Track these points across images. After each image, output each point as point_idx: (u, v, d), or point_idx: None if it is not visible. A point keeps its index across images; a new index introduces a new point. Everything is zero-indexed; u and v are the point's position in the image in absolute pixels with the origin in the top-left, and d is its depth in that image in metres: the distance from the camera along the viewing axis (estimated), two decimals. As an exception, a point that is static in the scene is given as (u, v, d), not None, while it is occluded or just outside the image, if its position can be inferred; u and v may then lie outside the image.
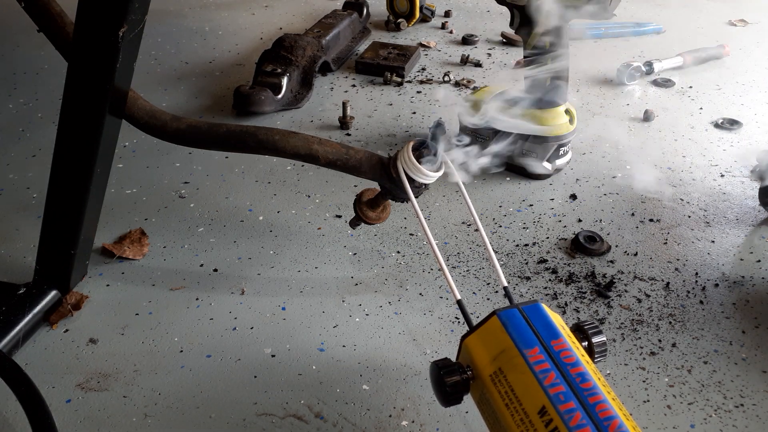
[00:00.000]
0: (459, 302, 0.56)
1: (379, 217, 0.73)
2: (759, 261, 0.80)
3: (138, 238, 0.83)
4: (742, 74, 1.30)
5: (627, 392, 0.63)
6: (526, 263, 0.79)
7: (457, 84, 1.25)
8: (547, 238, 0.84)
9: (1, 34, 1.48)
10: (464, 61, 1.34)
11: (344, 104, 1.09)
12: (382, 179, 0.67)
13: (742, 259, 0.80)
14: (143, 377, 0.64)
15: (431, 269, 0.78)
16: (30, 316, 0.69)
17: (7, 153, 1.02)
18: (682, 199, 0.91)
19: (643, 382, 0.64)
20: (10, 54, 1.39)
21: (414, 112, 1.15)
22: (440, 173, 0.64)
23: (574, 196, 0.92)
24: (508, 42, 1.44)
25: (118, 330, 0.70)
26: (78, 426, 0.59)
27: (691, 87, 1.24)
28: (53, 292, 0.72)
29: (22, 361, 0.65)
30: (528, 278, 0.77)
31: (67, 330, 0.70)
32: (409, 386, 0.63)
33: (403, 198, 0.67)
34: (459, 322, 0.71)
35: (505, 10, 0.90)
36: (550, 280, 0.77)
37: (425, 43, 1.43)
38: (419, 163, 0.62)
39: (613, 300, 0.74)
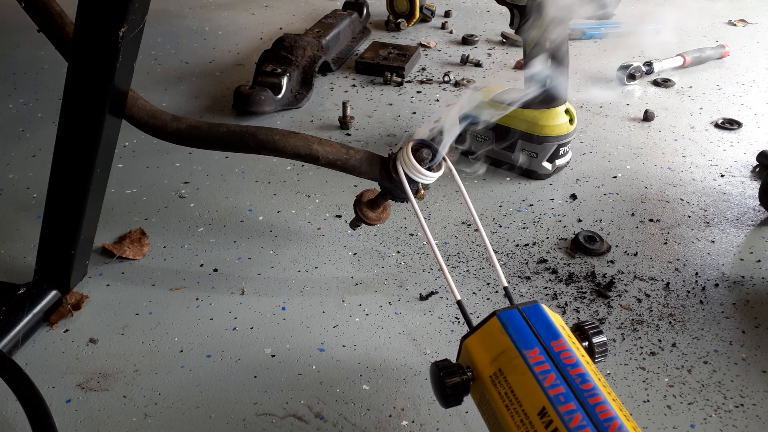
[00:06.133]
0: (459, 302, 0.56)
1: (379, 218, 0.73)
2: (759, 261, 0.80)
3: (138, 238, 0.83)
4: (742, 74, 1.30)
5: (627, 392, 0.63)
6: (526, 263, 0.79)
7: (457, 84, 1.25)
8: (547, 238, 0.84)
9: (1, 34, 1.48)
10: (464, 61, 1.34)
11: (344, 104, 1.09)
12: (382, 179, 0.67)
13: (742, 259, 0.80)
14: (143, 377, 0.64)
15: (431, 269, 0.78)
16: (30, 316, 0.69)
17: (7, 153, 1.02)
18: (682, 199, 0.91)
19: (643, 382, 0.64)
20: (10, 54, 1.39)
21: (414, 112, 1.15)
22: (440, 173, 0.64)
23: (574, 196, 0.92)
24: (508, 42, 1.44)
25: (118, 330, 0.70)
26: (78, 426, 0.59)
27: (691, 87, 1.24)
28: (53, 292, 0.72)
29: (22, 361, 0.65)
30: (528, 278, 0.77)
31: (67, 330, 0.70)
32: (409, 386, 0.63)
33: (403, 198, 0.67)
34: (459, 322, 0.71)
35: (505, 10, 0.90)
36: (550, 280, 0.77)
37: (425, 43, 1.43)
38: (419, 163, 0.62)
39: (613, 300, 0.74)
